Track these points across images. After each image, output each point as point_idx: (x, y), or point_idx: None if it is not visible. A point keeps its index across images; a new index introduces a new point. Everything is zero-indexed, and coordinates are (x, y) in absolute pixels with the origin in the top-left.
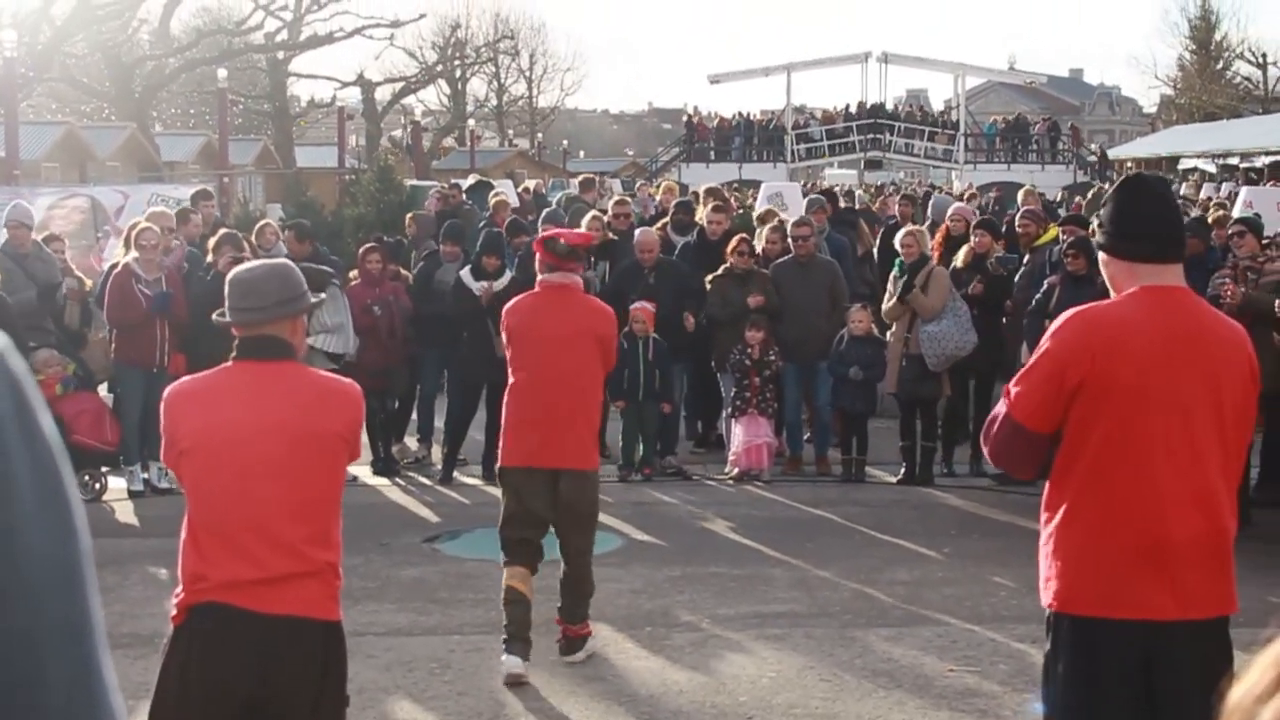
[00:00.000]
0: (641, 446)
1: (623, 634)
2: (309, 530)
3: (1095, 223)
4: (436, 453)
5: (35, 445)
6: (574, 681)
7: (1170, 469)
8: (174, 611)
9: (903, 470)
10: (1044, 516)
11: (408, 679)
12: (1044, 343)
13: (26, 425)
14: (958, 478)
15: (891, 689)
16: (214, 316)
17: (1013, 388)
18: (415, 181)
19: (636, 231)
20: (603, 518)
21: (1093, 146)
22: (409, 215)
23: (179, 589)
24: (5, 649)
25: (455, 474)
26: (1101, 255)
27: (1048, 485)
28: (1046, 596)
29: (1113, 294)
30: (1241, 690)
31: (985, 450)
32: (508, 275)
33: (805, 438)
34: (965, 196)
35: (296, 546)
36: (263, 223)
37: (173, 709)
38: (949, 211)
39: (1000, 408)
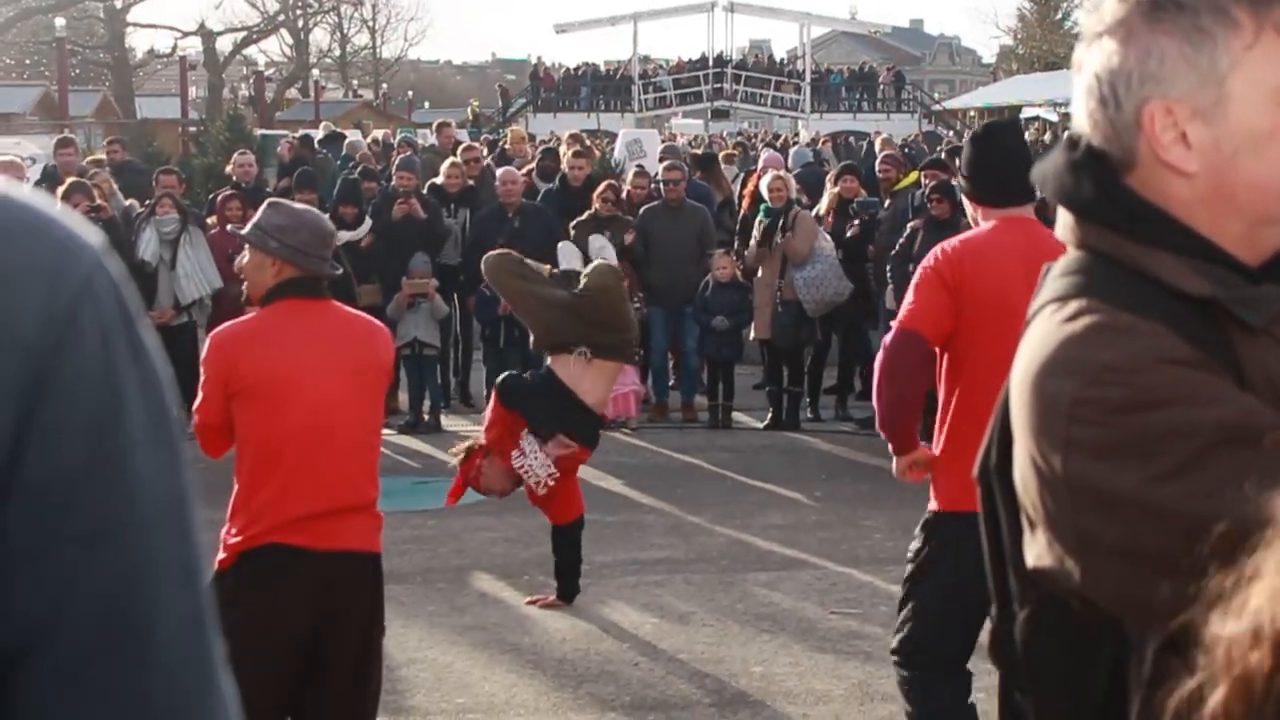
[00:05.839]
0: None
1: (501, 583)
2: (365, 466)
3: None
4: None
5: (142, 361)
6: (455, 631)
7: None
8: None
9: (769, 416)
10: (935, 431)
11: None
12: (919, 274)
13: (133, 338)
14: (823, 423)
15: (776, 632)
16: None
17: (901, 311)
18: (265, 131)
19: (499, 170)
20: None
21: (935, 95)
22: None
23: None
24: (115, 586)
25: None
26: (964, 199)
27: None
28: (932, 500)
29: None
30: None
31: (875, 381)
32: (366, 224)
33: (670, 384)
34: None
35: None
36: (93, 173)
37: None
38: (761, 159)
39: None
